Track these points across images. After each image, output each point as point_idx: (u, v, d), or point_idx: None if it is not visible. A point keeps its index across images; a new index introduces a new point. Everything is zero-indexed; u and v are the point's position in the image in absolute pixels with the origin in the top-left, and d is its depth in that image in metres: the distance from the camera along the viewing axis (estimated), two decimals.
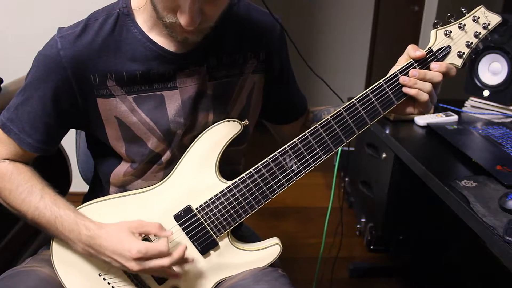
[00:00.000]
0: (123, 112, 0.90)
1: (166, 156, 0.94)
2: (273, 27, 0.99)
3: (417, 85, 0.87)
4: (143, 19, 0.88)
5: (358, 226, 2.29)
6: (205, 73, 0.91)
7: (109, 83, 0.88)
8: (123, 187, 0.98)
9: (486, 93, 1.66)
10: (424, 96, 0.87)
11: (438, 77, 0.87)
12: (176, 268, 0.92)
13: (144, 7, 0.87)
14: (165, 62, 0.88)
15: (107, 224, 0.89)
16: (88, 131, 0.97)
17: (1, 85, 1.34)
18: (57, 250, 0.94)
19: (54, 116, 0.90)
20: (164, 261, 0.85)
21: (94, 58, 0.86)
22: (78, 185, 1.39)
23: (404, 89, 0.88)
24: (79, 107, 0.90)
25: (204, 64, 0.91)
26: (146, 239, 0.91)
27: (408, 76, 0.87)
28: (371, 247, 2.15)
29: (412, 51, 0.88)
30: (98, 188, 1.04)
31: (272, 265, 0.98)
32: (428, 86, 0.87)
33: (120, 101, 0.89)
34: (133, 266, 0.85)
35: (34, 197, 0.90)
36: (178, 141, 0.93)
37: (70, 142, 1.31)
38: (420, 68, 0.88)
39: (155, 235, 0.90)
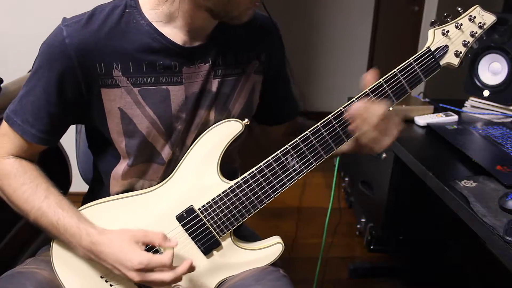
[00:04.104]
0: (127, 103, 0.89)
1: (167, 154, 0.94)
2: (274, 30, 1.01)
3: (357, 121, 0.88)
4: (154, 13, 0.87)
5: (358, 226, 2.29)
6: (210, 70, 0.92)
7: (114, 73, 0.87)
8: (124, 187, 0.98)
9: (486, 93, 1.66)
10: (362, 132, 0.88)
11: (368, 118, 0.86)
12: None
13: (157, 4, 0.87)
14: (171, 55, 0.88)
15: (110, 231, 0.88)
16: (90, 123, 0.96)
17: (1, 85, 1.34)
18: (57, 252, 0.93)
19: (57, 105, 0.89)
20: (166, 276, 0.83)
21: (100, 47, 0.85)
22: (78, 185, 1.39)
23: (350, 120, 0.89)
24: (83, 97, 0.89)
25: (210, 61, 0.92)
26: (151, 247, 0.90)
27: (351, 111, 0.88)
28: (371, 247, 2.15)
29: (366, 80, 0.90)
30: (98, 188, 1.03)
31: (274, 265, 0.99)
32: (365, 125, 0.87)
33: (126, 92, 0.89)
34: (134, 276, 0.84)
35: (37, 197, 0.89)
36: (178, 138, 0.93)
37: (70, 142, 1.30)
38: (376, 96, 0.89)
39: (159, 246, 0.89)
